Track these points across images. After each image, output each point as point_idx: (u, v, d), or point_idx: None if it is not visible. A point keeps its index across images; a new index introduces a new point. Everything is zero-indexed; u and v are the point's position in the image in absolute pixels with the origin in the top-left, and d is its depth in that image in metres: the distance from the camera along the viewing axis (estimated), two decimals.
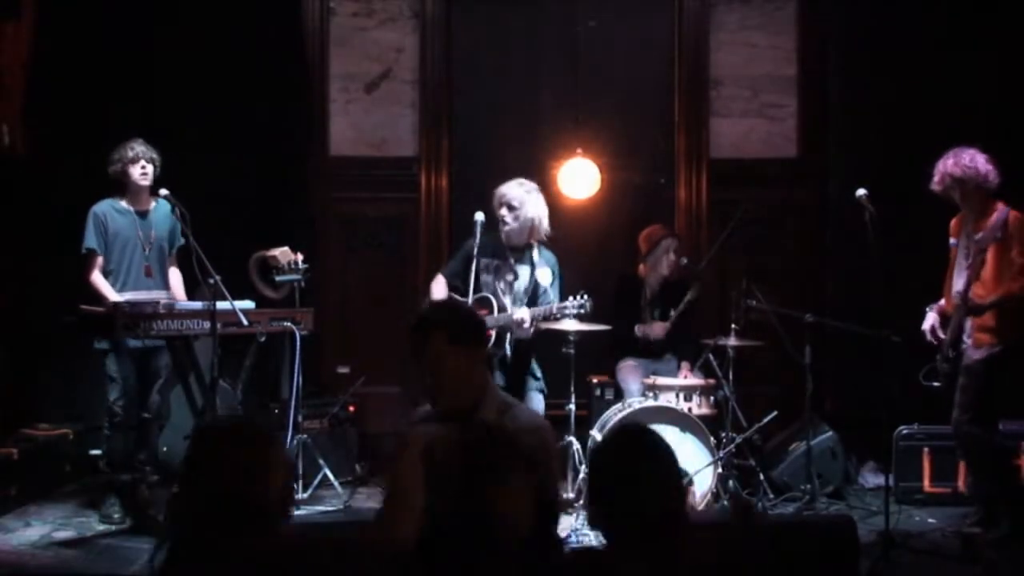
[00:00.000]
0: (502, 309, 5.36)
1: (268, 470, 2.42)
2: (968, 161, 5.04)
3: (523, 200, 5.45)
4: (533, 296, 5.47)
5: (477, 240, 5.35)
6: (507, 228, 5.45)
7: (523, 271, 5.50)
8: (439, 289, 5.51)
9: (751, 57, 7.02)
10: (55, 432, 6.20)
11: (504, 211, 5.45)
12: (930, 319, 5.23)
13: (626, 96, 7.12)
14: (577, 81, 7.12)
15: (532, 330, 5.35)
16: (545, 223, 5.52)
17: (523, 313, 5.29)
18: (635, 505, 2.29)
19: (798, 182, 7.01)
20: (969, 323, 5.06)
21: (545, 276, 5.46)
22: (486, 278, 5.45)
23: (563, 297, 5.36)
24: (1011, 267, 4.97)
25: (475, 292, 5.36)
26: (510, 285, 5.45)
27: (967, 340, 5.08)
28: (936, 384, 5.14)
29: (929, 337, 5.21)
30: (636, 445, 2.39)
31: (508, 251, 5.50)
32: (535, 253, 5.51)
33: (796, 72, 7.02)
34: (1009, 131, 6.02)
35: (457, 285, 5.45)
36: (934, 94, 6.50)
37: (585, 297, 5.23)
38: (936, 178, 5.13)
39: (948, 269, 5.26)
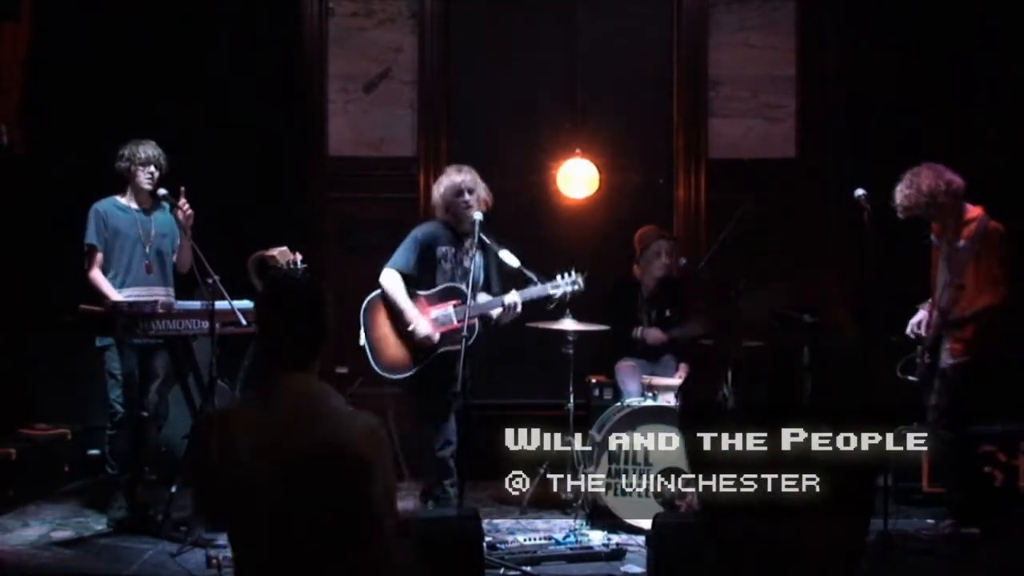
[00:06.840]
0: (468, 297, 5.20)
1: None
2: (927, 179, 5.06)
3: (439, 181, 5.49)
4: (488, 279, 5.41)
5: (476, 240, 5.30)
6: None
7: (477, 255, 5.36)
8: (392, 281, 5.31)
9: (750, 57, 7.02)
10: (53, 432, 6.20)
11: None
12: (919, 316, 5.29)
13: (625, 96, 7.11)
14: (577, 81, 7.12)
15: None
16: (445, 199, 5.35)
17: (514, 297, 5.23)
18: None
19: (797, 182, 7.01)
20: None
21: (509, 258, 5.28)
22: (445, 266, 5.37)
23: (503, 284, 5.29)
24: (989, 279, 5.00)
25: (439, 283, 5.31)
26: (467, 271, 5.27)
27: (947, 347, 5.10)
28: (912, 378, 5.21)
29: (912, 331, 5.27)
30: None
31: (456, 236, 5.40)
32: (482, 235, 5.30)
33: (795, 72, 7.02)
34: (1009, 131, 6.02)
35: (412, 275, 5.34)
36: (933, 94, 6.49)
37: (575, 273, 5.17)
38: (904, 203, 5.12)
39: (932, 268, 5.28)
